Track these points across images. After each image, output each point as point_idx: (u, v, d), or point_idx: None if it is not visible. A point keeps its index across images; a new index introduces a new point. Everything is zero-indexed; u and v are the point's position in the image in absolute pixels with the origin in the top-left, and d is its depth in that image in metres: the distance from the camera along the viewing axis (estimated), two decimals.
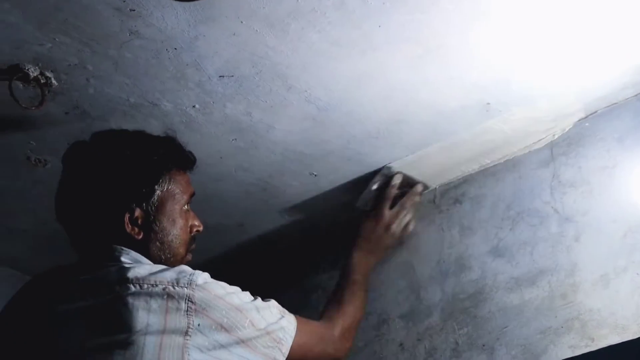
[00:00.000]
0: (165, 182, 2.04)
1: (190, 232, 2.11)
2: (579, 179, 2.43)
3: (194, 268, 1.92)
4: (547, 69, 2.23)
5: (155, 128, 2.38)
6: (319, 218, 2.94)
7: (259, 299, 2.02)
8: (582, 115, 2.46)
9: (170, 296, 1.80)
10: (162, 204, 2.02)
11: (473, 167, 2.69)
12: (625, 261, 2.25)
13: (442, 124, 2.45)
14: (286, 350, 2.01)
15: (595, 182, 2.39)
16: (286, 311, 2.10)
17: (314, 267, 3.01)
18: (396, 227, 2.68)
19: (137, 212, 1.97)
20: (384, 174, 2.64)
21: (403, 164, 2.62)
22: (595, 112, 2.45)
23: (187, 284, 1.83)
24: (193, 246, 2.13)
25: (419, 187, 2.71)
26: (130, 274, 1.82)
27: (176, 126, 2.39)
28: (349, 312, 2.40)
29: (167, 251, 2.01)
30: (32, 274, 2.91)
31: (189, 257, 2.09)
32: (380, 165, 2.64)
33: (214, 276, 1.93)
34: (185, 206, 2.09)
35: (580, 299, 2.31)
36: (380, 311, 2.77)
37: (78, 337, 1.78)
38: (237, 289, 1.97)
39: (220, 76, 2.20)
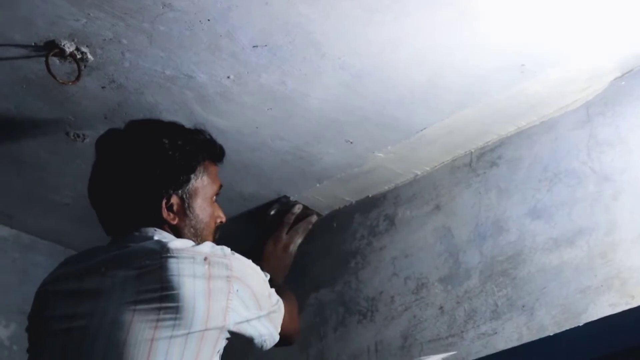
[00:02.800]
0: (200, 172, 2.16)
1: (215, 222, 2.19)
2: (616, 138, 2.42)
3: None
4: (581, 28, 2.22)
5: (190, 100, 2.41)
6: (354, 185, 2.95)
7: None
8: (618, 74, 2.44)
9: (211, 264, 1.90)
10: (195, 192, 2.13)
11: (509, 130, 2.68)
12: None
13: (477, 87, 2.45)
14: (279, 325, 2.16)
15: (633, 140, 2.38)
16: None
17: (352, 233, 3.02)
18: (292, 248, 2.89)
19: (174, 199, 2.08)
20: (283, 202, 2.96)
21: (439, 128, 2.63)
22: (631, 70, 2.43)
23: (223, 254, 1.96)
24: (217, 236, 2.21)
25: (314, 218, 3.05)
26: (171, 245, 1.91)
27: (211, 97, 2.41)
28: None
29: (199, 237, 2.12)
30: (74, 247, 2.97)
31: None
32: (418, 130, 2.64)
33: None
34: (214, 197, 2.18)
35: (619, 257, 2.31)
36: (418, 275, 2.78)
37: (123, 306, 1.83)
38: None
39: (253, 46, 2.22)
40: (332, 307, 2.98)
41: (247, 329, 2.00)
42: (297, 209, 2.96)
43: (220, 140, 2.57)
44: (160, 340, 1.81)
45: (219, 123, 2.53)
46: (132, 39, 2.17)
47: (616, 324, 2.17)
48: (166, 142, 2.09)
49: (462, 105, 2.54)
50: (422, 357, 2.39)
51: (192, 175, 2.12)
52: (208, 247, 1.97)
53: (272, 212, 2.97)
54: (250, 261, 2.06)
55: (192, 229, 2.11)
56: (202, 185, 2.15)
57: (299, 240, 2.93)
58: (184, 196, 2.10)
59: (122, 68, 2.27)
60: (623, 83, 2.43)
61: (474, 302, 2.61)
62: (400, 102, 2.49)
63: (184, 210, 2.10)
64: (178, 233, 2.08)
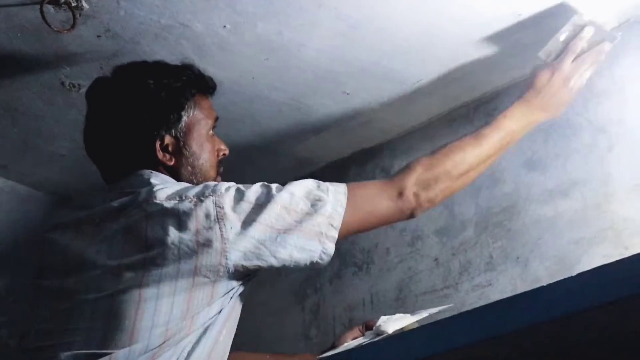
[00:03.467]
0: (191, 108, 2.09)
1: (217, 155, 2.15)
2: (612, 89, 2.42)
3: None
4: None
5: (187, 50, 2.40)
6: (351, 137, 2.95)
7: (293, 183, 1.95)
8: (615, 24, 2.43)
9: (198, 206, 1.81)
10: (189, 129, 2.07)
11: (505, 81, 2.68)
12: None
13: (474, 37, 2.44)
14: (338, 223, 1.90)
15: (629, 91, 2.38)
16: (330, 183, 1.97)
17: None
18: (575, 82, 2.26)
19: (167, 139, 2.03)
20: (575, 24, 2.27)
21: (436, 79, 2.62)
22: (628, 20, 2.42)
23: (212, 192, 1.84)
24: (221, 169, 2.17)
25: (607, 46, 2.31)
26: (159, 193, 1.86)
27: (208, 47, 2.40)
28: (448, 157, 2.08)
29: (199, 175, 2.07)
30: (70, 199, 2.97)
31: (219, 179, 2.13)
32: (415, 81, 2.63)
33: None
34: (211, 131, 2.13)
35: (613, 209, 2.32)
36: (414, 227, 2.79)
37: (110, 264, 1.82)
38: (263, 184, 1.93)
39: None
40: None
41: (266, 260, 1.84)
42: (588, 32, 2.27)
43: (217, 91, 2.58)
44: (147, 301, 1.78)
45: (215, 74, 2.50)
46: None
47: (609, 273, 2.18)
48: (151, 82, 2.03)
49: (459, 56, 2.53)
50: (420, 310, 2.36)
51: (183, 113, 2.05)
52: (198, 189, 1.87)
53: (562, 39, 2.29)
54: (246, 187, 1.90)
55: (189, 167, 2.05)
56: (196, 120, 2.09)
57: (587, 72, 2.28)
58: (178, 135, 2.04)
59: (117, 16, 2.25)
60: (620, 33, 2.41)
61: (469, 253, 2.62)
62: (397, 52, 2.48)
63: (179, 149, 2.05)
64: (176, 173, 2.03)
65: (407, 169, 2.04)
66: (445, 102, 2.79)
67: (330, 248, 1.87)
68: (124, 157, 2.02)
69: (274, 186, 1.90)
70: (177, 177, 2.02)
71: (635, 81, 2.37)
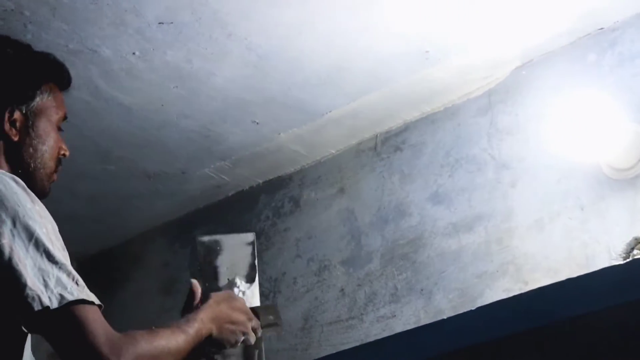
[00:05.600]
0: (46, 92, 1.97)
1: (59, 152, 2.07)
2: (515, 126, 2.47)
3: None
4: (484, 17, 2.26)
5: (95, 75, 2.38)
6: (260, 166, 2.96)
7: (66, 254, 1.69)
8: (519, 63, 2.49)
9: None
10: (40, 112, 1.96)
11: (413, 115, 2.72)
12: (559, 206, 2.31)
13: (383, 72, 2.47)
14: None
15: (531, 129, 2.43)
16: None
17: (257, 214, 3.03)
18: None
19: (17, 115, 1.90)
20: None
21: (345, 111, 2.64)
22: (532, 60, 2.48)
23: None
24: (60, 168, 2.07)
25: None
26: None
27: (116, 73, 2.38)
28: (158, 346, 1.76)
29: (39, 160, 1.94)
30: None
31: (55, 177, 2.05)
32: (324, 112, 2.65)
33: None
34: (59, 125, 2.06)
35: (515, 244, 2.37)
36: (321, 257, 2.80)
37: None
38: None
39: (159, 23, 2.20)
40: None
41: None
42: None
43: (125, 117, 2.56)
44: None
45: (124, 100, 2.51)
46: (35, 10, 2.13)
47: (509, 307, 2.22)
48: (11, 52, 1.91)
49: (367, 90, 2.57)
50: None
51: (38, 92, 1.92)
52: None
53: None
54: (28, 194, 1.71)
55: (31, 149, 1.91)
56: (48, 106, 1.95)
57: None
58: (28, 113, 1.90)
59: (24, 39, 2.20)
60: (524, 72, 2.48)
61: (375, 285, 2.64)
62: (307, 84, 2.50)
63: (26, 128, 1.91)
64: (17, 152, 1.89)
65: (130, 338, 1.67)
66: (354, 134, 2.82)
67: None
68: None
69: None
70: (18, 156, 1.89)
71: (537, 119, 2.42)
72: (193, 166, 2.92)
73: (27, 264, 1.56)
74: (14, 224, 1.59)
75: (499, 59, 2.46)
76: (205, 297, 1.96)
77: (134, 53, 2.31)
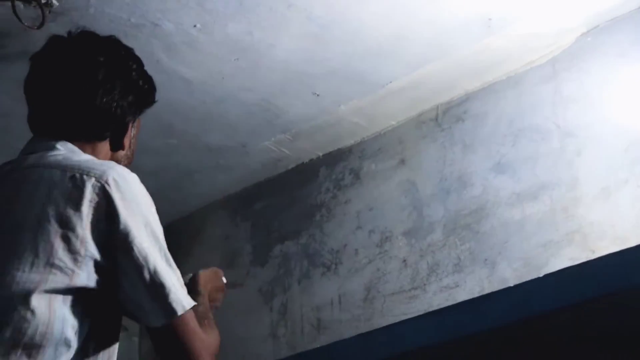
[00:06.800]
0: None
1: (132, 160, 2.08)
2: (580, 93, 2.43)
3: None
4: None
5: (156, 48, 2.39)
6: (321, 138, 2.95)
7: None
8: (584, 29, 2.45)
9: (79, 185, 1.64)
10: (138, 127, 1.98)
11: (475, 85, 2.69)
12: (626, 174, 2.28)
13: (444, 41, 2.45)
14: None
15: (597, 96, 2.40)
16: None
17: (317, 187, 3.03)
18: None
19: (131, 128, 1.91)
20: None
21: (405, 82, 2.63)
22: (597, 26, 2.44)
23: (103, 178, 1.65)
24: None
25: None
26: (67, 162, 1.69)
27: (178, 46, 2.39)
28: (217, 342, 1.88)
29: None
30: None
31: None
32: (384, 83, 2.64)
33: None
34: None
35: (581, 212, 2.34)
36: (382, 229, 2.79)
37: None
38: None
39: None
40: (296, 260, 3.00)
41: None
42: None
43: (187, 91, 2.58)
44: None
45: (185, 73, 2.52)
46: None
47: (576, 275, 2.20)
48: (134, 67, 1.89)
49: (428, 59, 2.54)
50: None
51: (146, 109, 1.93)
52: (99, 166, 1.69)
53: None
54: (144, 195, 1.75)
55: (127, 160, 1.91)
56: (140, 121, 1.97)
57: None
58: (135, 126, 1.92)
59: (87, 14, 2.24)
60: (589, 39, 2.44)
61: (437, 255, 2.63)
62: (367, 54, 2.49)
63: (130, 140, 1.91)
64: (118, 160, 1.87)
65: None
66: (414, 105, 2.80)
67: None
68: (86, 123, 1.79)
69: None
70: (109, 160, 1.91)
71: (603, 86, 2.39)
72: (254, 139, 2.92)
73: (164, 270, 1.59)
74: (146, 227, 1.62)
75: (564, 26, 2.42)
76: None
77: (195, 26, 2.32)
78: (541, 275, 2.30)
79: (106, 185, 1.60)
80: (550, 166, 2.45)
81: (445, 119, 2.76)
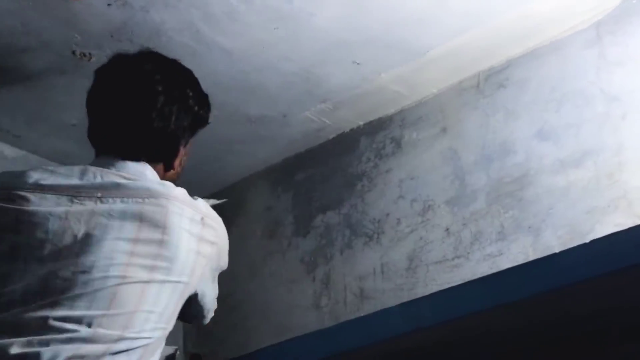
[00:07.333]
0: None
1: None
2: (625, 57, 2.40)
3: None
4: None
5: (196, 19, 2.38)
6: (361, 107, 2.94)
7: None
8: None
9: (204, 225, 1.97)
10: (191, 146, 2.12)
11: (516, 51, 2.66)
12: None
13: (484, 7, 2.43)
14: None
15: None
16: None
17: (358, 156, 3.02)
18: None
19: (183, 149, 2.08)
20: None
21: (446, 49, 2.61)
22: None
23: (214, 216, 2.04)
24: None
25: None
26: (176, 193, 1.92)
27: (217, 16, 2.38)
28: None
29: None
30: None
31: None
32: (425, 51, 2.62)
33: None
34: None
35: (626, 178, 2.32)
36: (425, 197, 2.78)
37: (121, 242, 1.80)
38: None
39: None
40: (338, 230, 2.99)
41: (202, 301, 2.06)
42: None
43: (227, 61, 2.58)
44: (153, 283, 1.82)
45: (225, 43, 2.51)
46: None
47: (622, 241, 2.19)
48: (191, 94, 2.05)
49: (469, 26, 2.52)
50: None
51: (198, 132, 2.13)
52: (203, 204, 1.99)
53: None
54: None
55: (174, 177, 2.09)
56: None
57: None
58: (187, 147, 2.10)
59: None
60: (634, 1, 2.40)
61: (480, 223, 2.61)
62: (408, 22, 2.47)
63: (181, 161, 2.09)
64: (165, 177, 2.05)
65: None
66: (455, 72, 2.78)
67: None
68: (142, 145, 1.98)
69: None
70: (163, 179, 2.04)
71: None
72: (294, 109, 2.92)
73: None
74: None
75: None
76: None
77: None
78: (587, 241, 2.30)
79: None
80: (595, 132, 2.42)
81: (487, 85, 2.74)
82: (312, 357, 2.81)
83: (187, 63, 2.53)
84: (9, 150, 2.94)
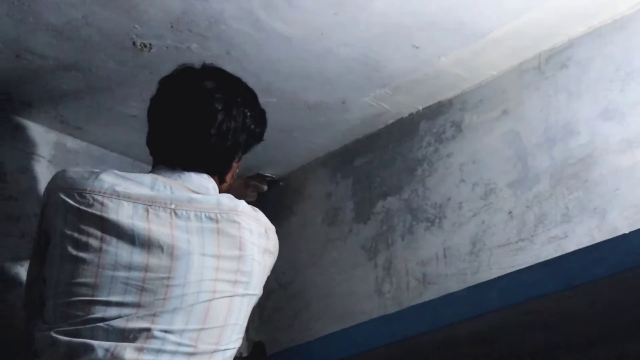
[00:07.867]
0: None
1: None
2: None
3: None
4: None
5: (255, 6, 2.39)
6: (420, 92, 2.92)
7: None
8: None
9: (268, 238, 2.17)
10: (241, 162, 2.30)
11: (578, 30, 2.62)
12: None
13: None
14: None
15: None
16: None
17: (418, 140, 3.00)
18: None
19: (236, 163, 2.25)
20: None
21: (506, 31, 2.58)
22: None
23: (274, 228, 2.25)
24: None
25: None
26: (245, 209, 2.12)
27: (276, 3, 2.38)
28: None
29: None
30: (142, 160, 2.98)
31: None
32: (484, 33, 2.59)
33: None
34: None
35: None
36: (486, 181, 2.76)
37: (206, 258, 1.98)
38: None
39: None
40: (399, 215, 2.98)
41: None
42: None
43: (285, 48, 2.58)
44: (236, 297, 1.98)
45: (284, 30, 2.51)
46: None
47: None
48: (249, 114, 2.20)
49: (529, 7, 2.49)
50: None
51: (252, 149, 2.31)
52: (265, 217, 2.18)
53: None
54: None
55: (226, 188, 2.24)
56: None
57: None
58: (239, 162, 2.27)
59: None
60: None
61: (544, 206, 2.58)
62: (467, 4, 2.45)
63: (233, 173, 2.26)
64: (220, 189, 2.20)
65: None
66: (516, 54, 2.74)
67: None
68: (199, 158, 2.15)
69: None
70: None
71: None
72: (353, 95, 2.91)
73: None
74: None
75: None
76: None
77: None
78: None
79: None
80: None
81: (548, 66, 2.70)
82: (376, 343, 2.82)
83: (247, 51, 2.56)
84: (71, 143, 2.97)
